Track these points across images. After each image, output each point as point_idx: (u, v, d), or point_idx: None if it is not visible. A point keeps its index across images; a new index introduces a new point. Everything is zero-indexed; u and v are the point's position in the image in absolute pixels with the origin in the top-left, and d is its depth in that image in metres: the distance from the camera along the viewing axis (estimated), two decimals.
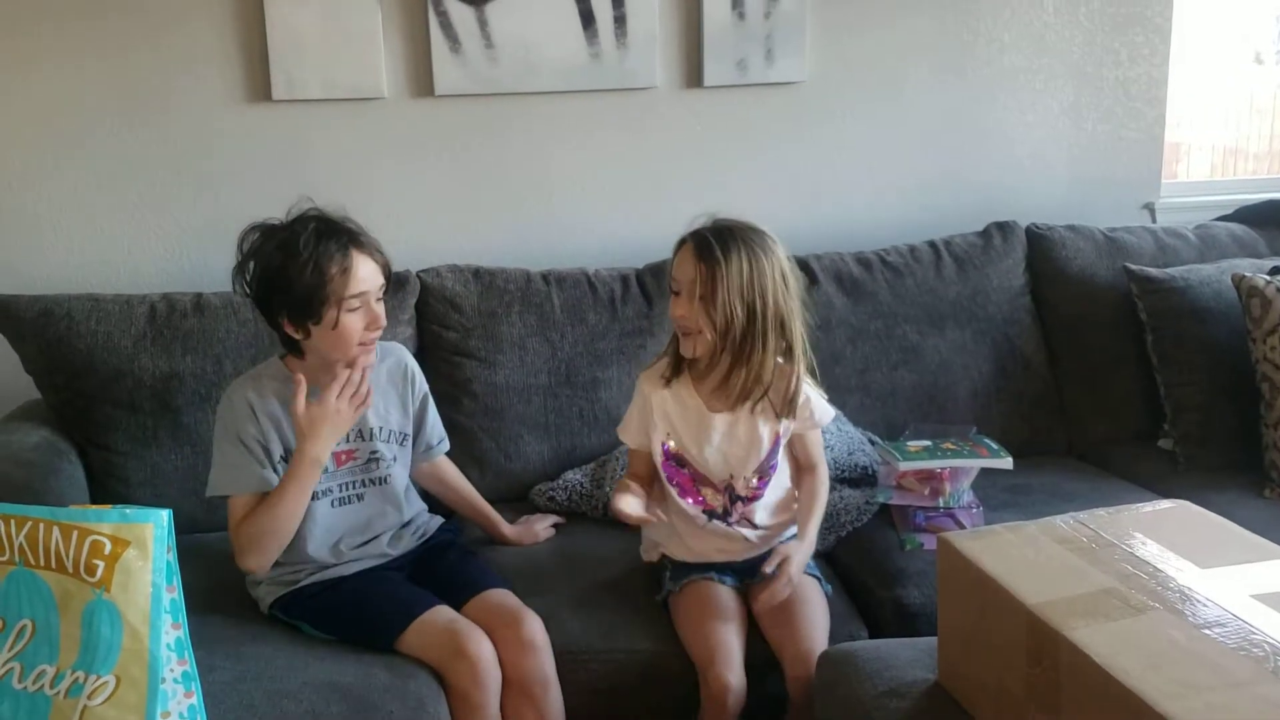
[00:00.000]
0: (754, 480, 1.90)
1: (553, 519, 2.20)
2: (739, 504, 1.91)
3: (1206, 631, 1.18)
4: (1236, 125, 3.61)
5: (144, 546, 1.39)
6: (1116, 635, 1.19)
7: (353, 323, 1.79)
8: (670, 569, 1.94)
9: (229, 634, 1.77)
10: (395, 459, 1.94)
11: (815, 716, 1.69)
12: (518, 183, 2.62)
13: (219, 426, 1.85)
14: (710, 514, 1.91)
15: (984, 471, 2.10)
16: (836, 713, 1.59)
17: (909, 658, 1.56)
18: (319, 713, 1.59)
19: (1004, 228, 2.62)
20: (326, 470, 1.87)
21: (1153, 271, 2.47)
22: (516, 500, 2.32)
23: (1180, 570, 1.31)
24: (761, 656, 1.83)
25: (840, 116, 2.72)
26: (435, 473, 2.10)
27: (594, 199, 2.66)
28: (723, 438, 1.88)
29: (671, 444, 1.90)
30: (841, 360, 2.44)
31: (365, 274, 1.79)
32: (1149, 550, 1.36)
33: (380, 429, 1.92)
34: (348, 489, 1.90)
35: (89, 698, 1.35)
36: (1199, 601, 1.24)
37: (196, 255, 2.52)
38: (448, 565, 1.94)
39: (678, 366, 1.89)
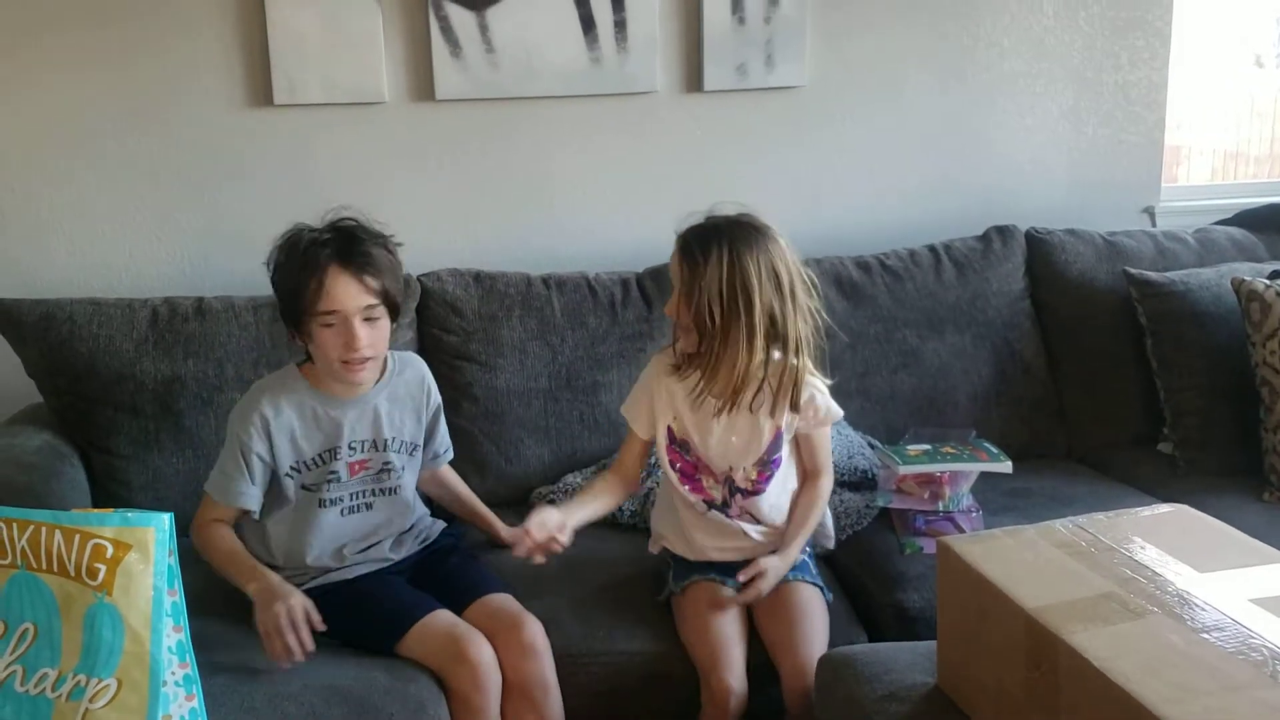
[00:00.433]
0: (754, 473, 1.89)
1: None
2: (739, 496, 1.90)
3: (1205, 636, 1.19)
4: (1237, 129, 3.61)
5: (145, 550, 1.39)
6: (1115, 639, 1.19)
7: (327, 339, 1.77)
8: (673, 568, 1.94)
9: (230, 636, 1.77)
10: (404, 468, 1.94)
11: None
12: (518, 187, 2.63)
13: (230, 429, 1.86)
14: (710, 504, 1.91)
15: (983, 475, 2.10)
16: (836, 716, 1.59)
17: (908, 661, 1.56)
18: (320, 715, 1.60)
19: (1004, 232, 2.63)
20: (339, 480, 1.88)
21: (1152, 275, 2.48)
22: (517, 504, 2.31)
23: (1179, 574, 1.31)
24: (763, 661, 1.83)
25: (840, 121, 2.73)
26: (435, 477, 2.10)
27: (594, 203, 2.66)
28: (723, 429, 1.88)
29: (675, 427, 1.90)
30: (841, 364, 2.44)
31: (340, 293, 1.74)
32: (1148, 554, 1.37)
33: (393, 439, 1.92)
34: (359, 498, 1.91)
35: (91, 701, 1.35)
36: (1198, 606, 1.24)
37: (198, 259, 2.53)
38: (449, 569, 1.94)
39: (687, 357, 1.88)
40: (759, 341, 1.77)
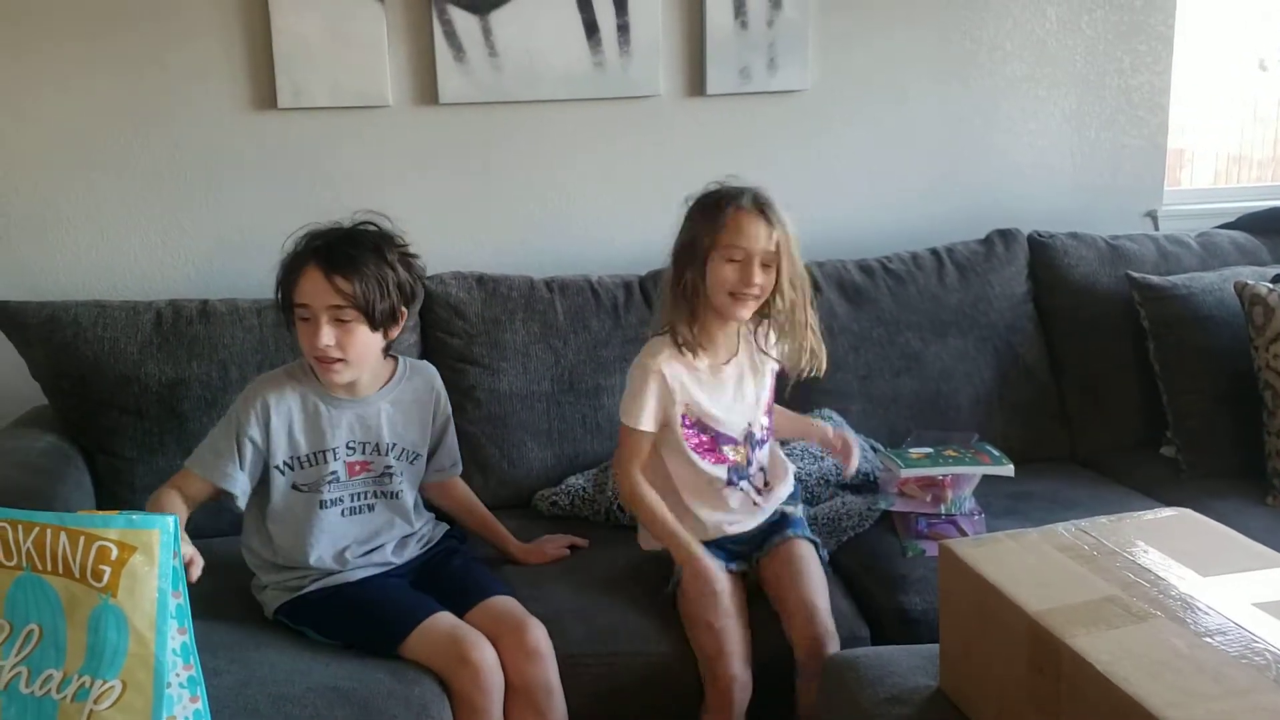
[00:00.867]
0: (765, 420, 2.00)
1: (568, 540, 2.14)
2: (756, 450, 1.99)
3: (1208, 640, 1.19)
4: (1240, 132, 3.61)
5: (150, 552, 1.39)
6: (1118, 643, 1.19)
7: (301, 333, 1.82)
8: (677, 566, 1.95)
9: (234, 639, 1.77)
10: (404, 475, 1.95)
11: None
12: (521, 190, 2.63)
13: (230, 411, 1.87)
14: (733, 470, 1.95)
15: (986, 478, 2.10)
16: (839, 719, 1.59)
17: (911, 664, 1.56)
18: (323, 717, 1.60)
19: (1006, 235, 2.63)
20: (339, 480, 1.88)
21: (1155, 279, 2.48)
22: (519, 506, 2.32)
23: (1182, 578, 1.32)
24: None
25: (842, 124, 2.73)
26: (445, 490, 2.09)
27: (597, 206, 2.66)
28: (735, 389, 1.96)
29: (689, 411, 1.93)
30: (843, 367, 2.45)
31: (308, 288, 1.78)
32: (1151, 558, 1.37)
33: (394, 445, 1.92)
34: (359, 499, 1.91)
35: (95, 702, 1.36)
36: (1201, 609, 1.24)
37: (202, 262, 2.53)
38: (452, 572, 1.95)
39: (683, 339, 1.91)
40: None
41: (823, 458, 2.26)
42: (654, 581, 1.99)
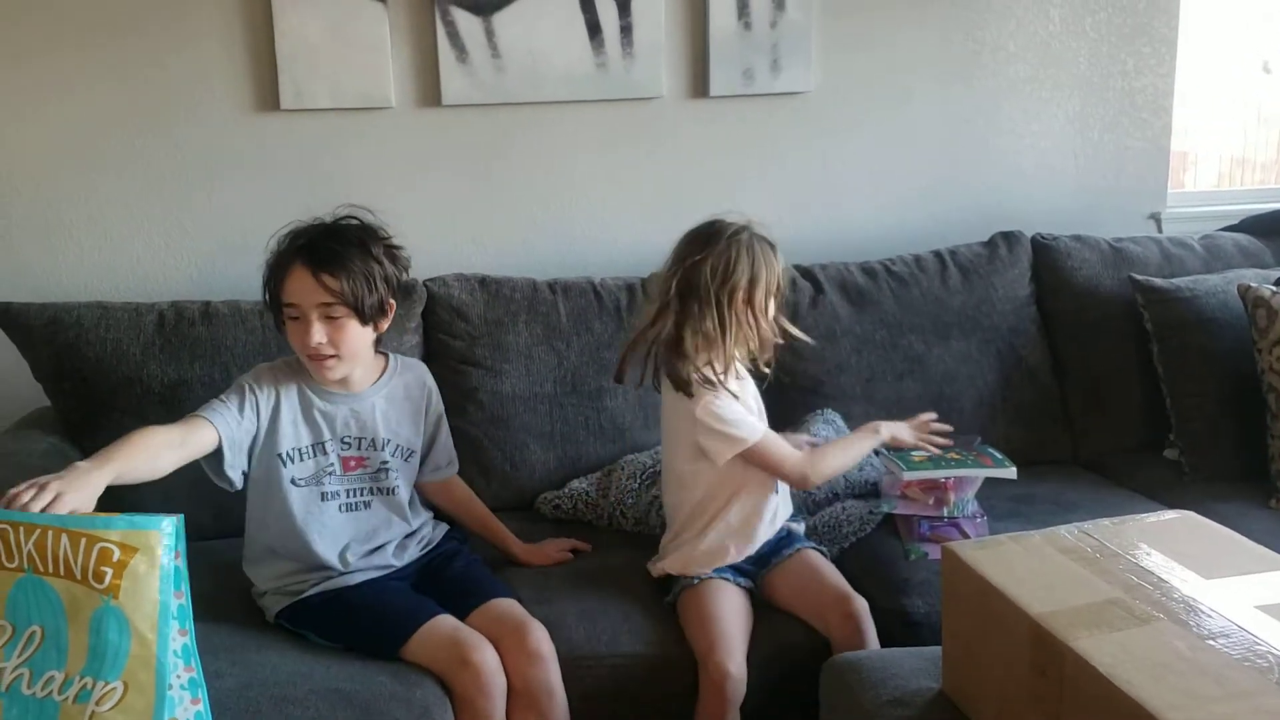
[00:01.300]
0: None
1: (570, 543, 2.15)
2: None
3: (1211, 642, 1.18)
4: (1244, 135, 3.60)
5: (152, 553, 1.40)
6: (1121, 646, 1.19)
7: (291, 331, 1.83)
8: (685, 577, 1.96)
9: (235, 641, 1.77)
10: (399, 471, 1.95)
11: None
12: (524, 192, 2.63)
13: (240, 382, 1.86)
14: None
15: (988, 481, 2.10)
16: None
17: (913, 667, 1.56)
18: None
19: (1009, 237, 2.62)
20: (334, 474, 1.89)
21: (1158, 282, 2.47)
22: (521, 509, 2.32)
23: (1185, 581, 1.31)
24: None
25: (846, 126, 2.73)
26: (446, 491, 2.09)
27: (600, 208, 2.67)
28: (756, 400, 2.02)
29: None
30: (846, 370, 2.45)
31: (295, 287, 1.79)
32: (1154, 561, 1.36)
33: (389, 440, 1.93)
34: (355, 495, 1.91)
35: (97, 703, 1.36)
36: (1204, 612, 1.24)
37: (205, 264, 2.53)
38: (453, 574, 1.95)
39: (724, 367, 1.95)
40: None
41: None
42: (656, 583, 2.00)
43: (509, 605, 1.86)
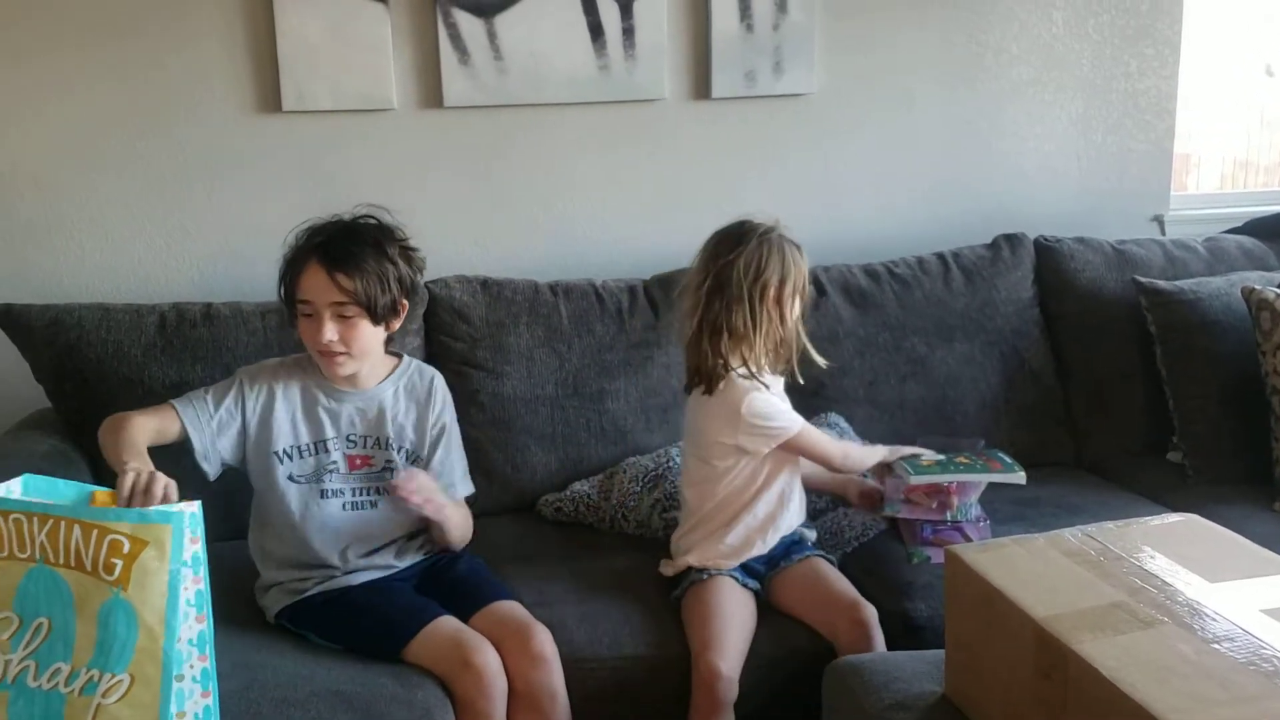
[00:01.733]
0: None
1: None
2: None
3: (1216, 646, 1.18)
4: (1247, 137, 3.60)
5: (162, 547, 1.40)
6: (1125, 649, 1.18)
7: (304, 328, 1.85)
8: (694, 570, 1.96)
9: (236, 642, 1.77)
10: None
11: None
12: (526, 194, 2.63)
13: (234, 378, 1.91)
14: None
15: (991, 484, 2.09)
16: None
17: (916, 670, 1.55)
18: None
19: (1012, 239, 2.62)
20: (339, 471, 1.89)
21: (1162, 284, 2.47)
22: (523, 511, 2.32)
23: (1189, 584, 1.31)
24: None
25: (848, 128, 2.73)
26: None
27: (601, 210, 2.66)
28: (784, 399, 2.03)
29: None
30: (849, 372, 2.44)
31: (309, 285, 1.81)
32: (1158, 564, 1.36)
33: (394, 440, 1.93)
34: (360, 494, 1.91)
35: (103, 696, 1.36)
36: (1208, 616, 1.24)
37: (206, 265, 2.53)
38: (455, 577, 1.94)
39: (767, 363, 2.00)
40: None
41: None
42: (658, 586, 2.00)
43: (511, 608, 1.85)
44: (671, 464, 2.25)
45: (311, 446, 1.89)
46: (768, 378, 1.97)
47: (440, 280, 2.40)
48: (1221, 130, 3.46)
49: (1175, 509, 1.75)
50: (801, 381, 2.05)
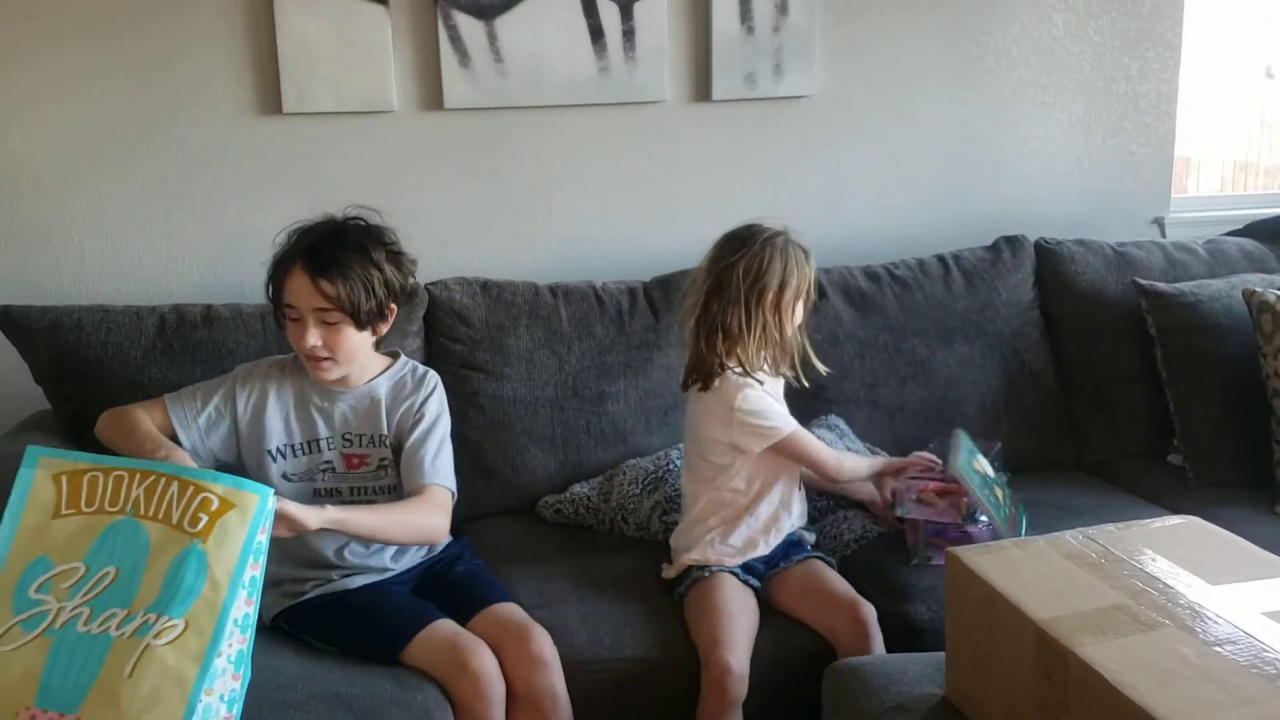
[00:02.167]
0: None
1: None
2: None
3: (1217, 649, 1.18)
4: (1247, 140, 3.60)
5: (245, 513, 1.45)
6: (1126, 652, 1.18)
7: (290, 331, 1.84)
8: (696, 569, 1.97)
9: None
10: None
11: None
12: (526, 195, 2.63)
13: (228, 377, 1.92)
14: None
15: None
16: None
17: (917, 672, 1.55)
18: None
19: (1013, 242, 2.62)
20: (334, 470, 1.89)
21: (1162, 286, 2.47)
22: (523, 513, 2.32)
23: (1190, 586, 1.31)
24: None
25: (849, 130, 2.73)
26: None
27: (601, 212, 2.66)
28: (781, 403, 2.03)
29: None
30: (850, 374, 2.44)
31: (294, 289, 1.79)
32: (1159, 566, 1.36)
33: (389, 437, 1.92)
34: (358, 494, 1.91)
35: (155, 637, 1.37)
36: (1209, 618, 1.23)
37: (206, 267, 2.53)
38: (454, 579, 1.94)
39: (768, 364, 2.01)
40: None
41: None
42: (658, 587, 2.00)
43: (511, 610, 1.85)
44: (671, 466, 2.25)
45: (305, 445, 1.89)
46: (763, 377, 1.98)
47: (440, 282, 2.40)
48: (1222, 133, 3.46)
49: (1176, 511, 1.75)
50: (806, 385, 2.05)
